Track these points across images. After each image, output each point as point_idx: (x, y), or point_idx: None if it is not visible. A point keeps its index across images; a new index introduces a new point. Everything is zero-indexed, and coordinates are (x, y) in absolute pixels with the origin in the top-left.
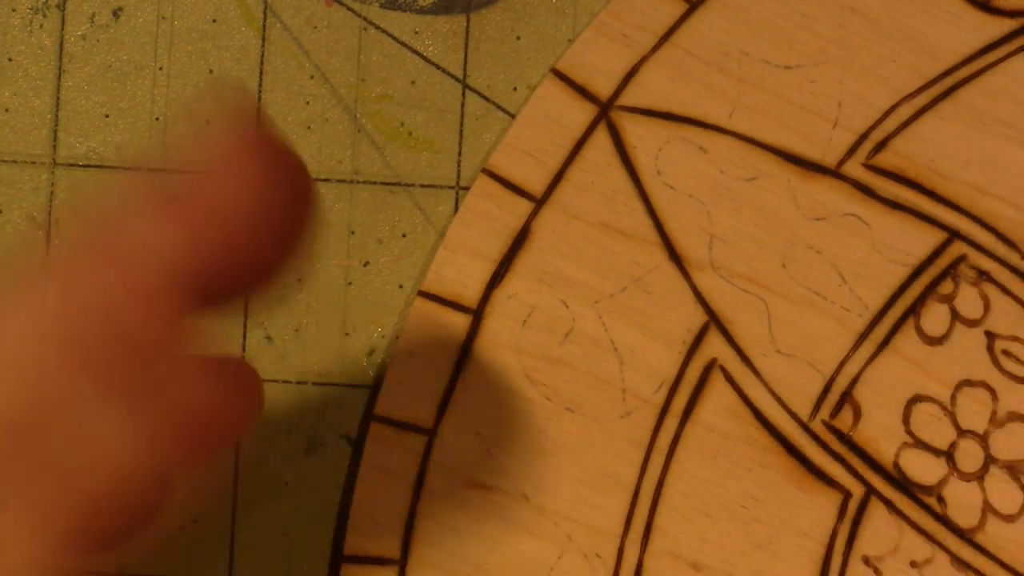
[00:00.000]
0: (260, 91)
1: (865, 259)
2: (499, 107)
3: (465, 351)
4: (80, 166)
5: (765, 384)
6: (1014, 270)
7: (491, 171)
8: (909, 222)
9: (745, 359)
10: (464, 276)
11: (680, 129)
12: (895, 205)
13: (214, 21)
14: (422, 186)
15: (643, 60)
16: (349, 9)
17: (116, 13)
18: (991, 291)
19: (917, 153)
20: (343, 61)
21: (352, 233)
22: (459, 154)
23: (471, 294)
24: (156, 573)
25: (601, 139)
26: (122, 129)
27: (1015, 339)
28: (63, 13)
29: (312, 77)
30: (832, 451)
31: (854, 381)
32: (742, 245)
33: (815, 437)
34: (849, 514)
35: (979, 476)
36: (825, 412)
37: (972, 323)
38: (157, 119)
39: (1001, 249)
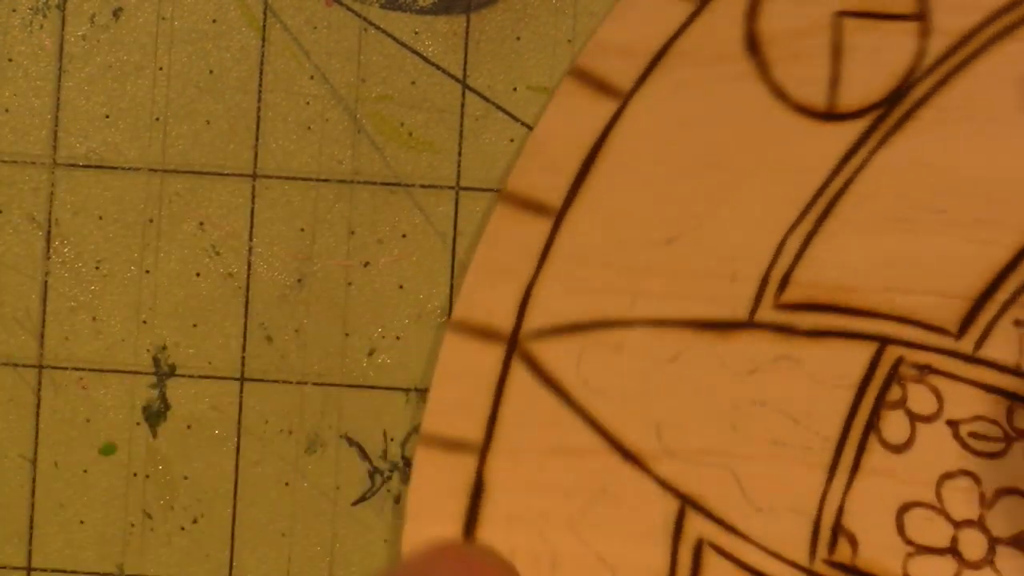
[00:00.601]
0: (260, 91)
1: (808, 395)
2: (499, 107)
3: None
4: (80, 166)
5: (756, 544)
6: (951, 353)
7: (429, 435)
8: (837, 345)
9: (729, 528)
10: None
11: (590, 335)
12: (818, 334)
13: (214, 21)
14: (422, 186)
15: (532, 283)
16: (349, 9)
17: (116, 13)
18: (938, 381)
19: (821, 277)
20: (343, 61)
21: (352, 233)
22: (459, 154)
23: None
24: (156, 573)
25: (520, 372)
26: (122, 129)
27: (977, 418)
28: (63, 13)
29: (312, 77)
30: None
31: (839, 512)
32: (688, 423)
33: None
34: None
35: (988, 560)
36: (823, 551)
37: (930, 418)
38: (157, 119)
39: (932, 338)
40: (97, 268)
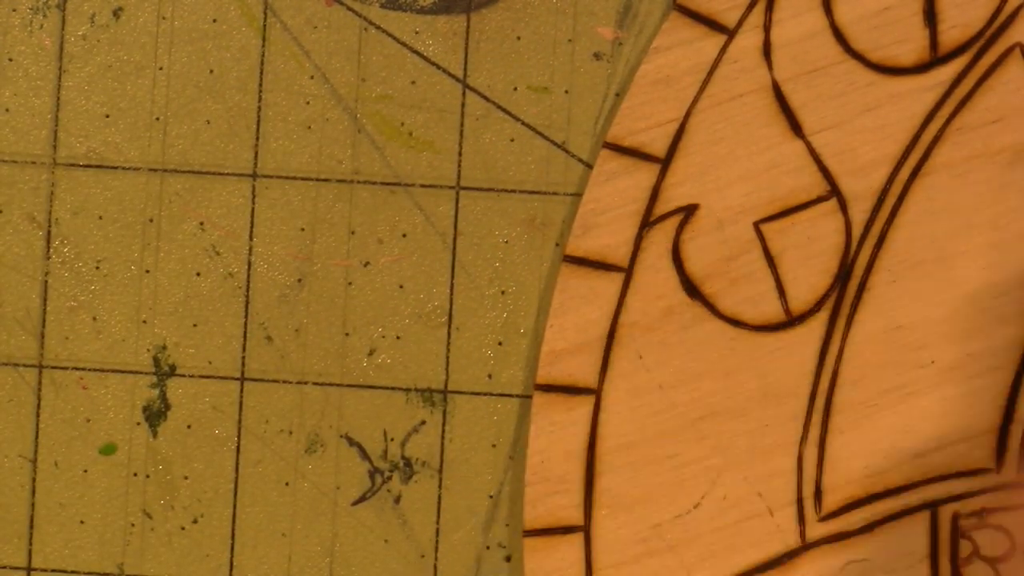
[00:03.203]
0: (260, 91)
1: None
2: (499, 107)
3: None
4: (80, 166)
5: None
6: (1000, 487)
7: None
8: (893, 529)
9: None
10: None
11: None
12: (871, 527)
13: (214, 21)
14: (422, 186)
15: None
16: (349, 9)
17: (116, 13)
18: (1000, 519)
19: (849, 475)
20: (343, 61)
21: (352, 233)
22: (459, 154)
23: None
24: (156, 573)
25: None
26: (122, 129)
27: None
28: (63, 13)
29: (312, 77)
30: None
31: None
32: None
33: None
34: None
35: None
36: None
37: (1008, 555)
38: (157, 119)
39: (976, 481)
40: (97, 268)
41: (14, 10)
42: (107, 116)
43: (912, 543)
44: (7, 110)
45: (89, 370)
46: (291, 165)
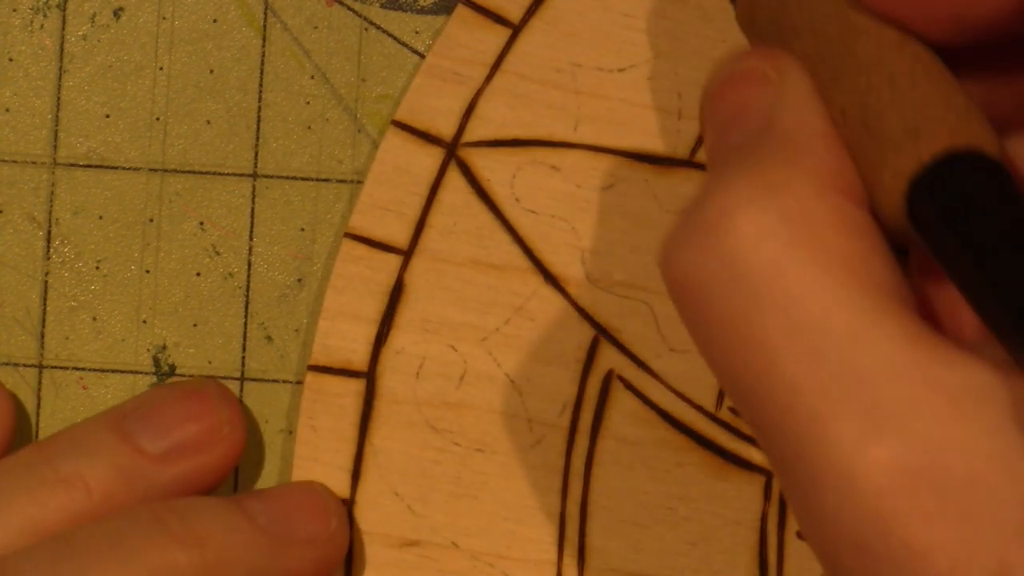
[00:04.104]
0: (260, 91)
1: None
2: None
3: (366, 416)
4: (80, 166)
5: (665, 384)
6: None
7: (354, 233)
8: None
9: (640, 364)
10: (350, 342)
11: (529, 153)
12: None
13: (214, 21)
14: None
15: (479, 93)
16: (349, 9)
17: (117, 13)
18: None
19: None
20: (343, 61)
21: None
22: None
23: (360, 358)
24: None
25: (455, 179)
26: (122, 129)
27: None
28: (64, 13)
29: (312, 77)
30: (744, 435)
31: None
32: (614, 253)
33: (725, 425)
34: (775, 494)
35: None
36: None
37: None
38: (157, 119)
39: None
40: (97, 268)
41: (14, 10)
42: (107, 116)
43: None
44: (7, 110)
45: (89, 370)
46: (291, 165)
